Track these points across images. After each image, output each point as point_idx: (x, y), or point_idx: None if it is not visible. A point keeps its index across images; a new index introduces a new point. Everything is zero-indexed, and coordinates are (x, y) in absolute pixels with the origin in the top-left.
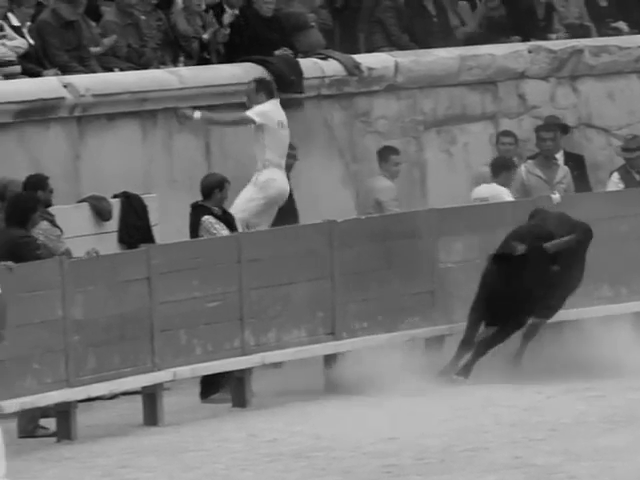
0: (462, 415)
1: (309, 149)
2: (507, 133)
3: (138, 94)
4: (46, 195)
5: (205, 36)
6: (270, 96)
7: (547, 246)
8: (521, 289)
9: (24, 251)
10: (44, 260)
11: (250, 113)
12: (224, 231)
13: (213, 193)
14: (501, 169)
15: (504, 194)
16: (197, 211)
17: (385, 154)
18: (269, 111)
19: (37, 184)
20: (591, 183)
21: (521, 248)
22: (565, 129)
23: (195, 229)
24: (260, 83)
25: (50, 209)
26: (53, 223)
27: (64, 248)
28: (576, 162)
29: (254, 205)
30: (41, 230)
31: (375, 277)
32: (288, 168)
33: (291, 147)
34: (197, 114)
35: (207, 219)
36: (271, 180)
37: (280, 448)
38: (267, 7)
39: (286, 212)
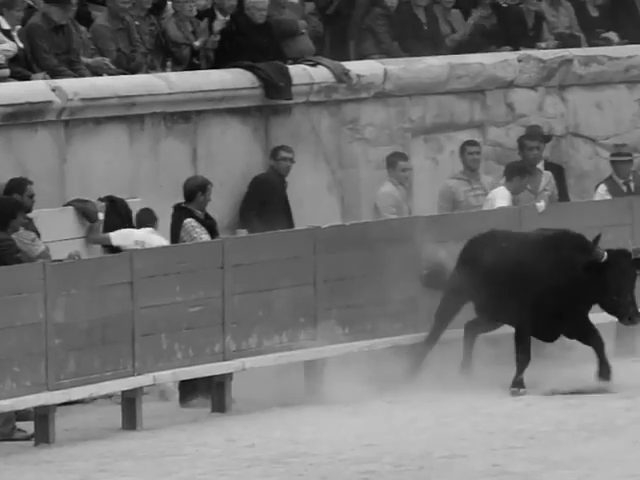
0: (442, 422)
1: (296, 155)
2: (472, 142)
3: (126, 99)
4: (24, 199)
5: (196, 43)
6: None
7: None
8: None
9: (5, 254)
10: (27, 263)
11: (111, 234)
12: (204, 235)
13: (196, 196)
14: (514, 174)
15: (498, 199)
16: (179, 213)
17: (393, 160)
18: (129, 233)
19: (15, 188)
20: (576, 192)
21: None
22: (547, 139)
23: (176, 230)
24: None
25: (35, 212)
26: (27, 227)
27: (40, 251)
28: (556, 172)
29: None
30: (15, 234)
31: (358, 283)
32: (285, 171)
33: (288, 150)
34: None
35: (189, 222)
36: None
37: (258, 453)
38: (259, 14)
39: (281, 216)
